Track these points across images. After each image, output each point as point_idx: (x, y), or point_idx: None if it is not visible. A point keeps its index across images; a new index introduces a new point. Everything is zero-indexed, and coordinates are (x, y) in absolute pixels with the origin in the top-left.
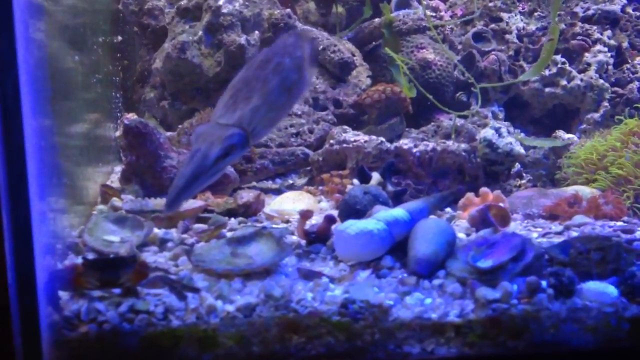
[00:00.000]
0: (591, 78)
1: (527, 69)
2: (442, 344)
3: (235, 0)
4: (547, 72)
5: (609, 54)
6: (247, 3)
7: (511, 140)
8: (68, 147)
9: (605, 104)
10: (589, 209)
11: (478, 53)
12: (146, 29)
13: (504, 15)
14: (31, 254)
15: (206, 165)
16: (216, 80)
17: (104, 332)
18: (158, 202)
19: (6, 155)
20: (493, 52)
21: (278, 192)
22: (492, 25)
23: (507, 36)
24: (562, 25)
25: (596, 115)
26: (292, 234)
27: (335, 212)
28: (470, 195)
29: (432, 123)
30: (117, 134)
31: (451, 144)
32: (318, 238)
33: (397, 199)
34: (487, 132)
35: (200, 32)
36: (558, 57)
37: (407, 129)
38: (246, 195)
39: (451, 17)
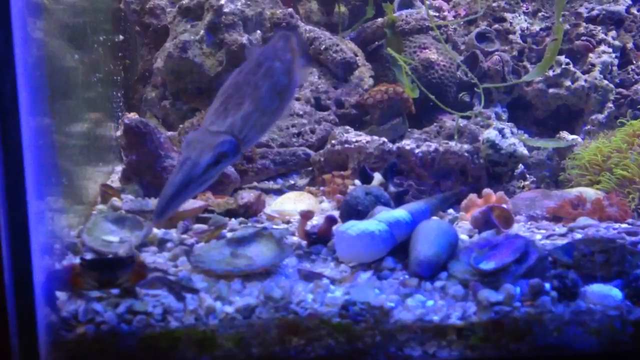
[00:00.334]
0: (595, 79)
1: (531, 70)
2: (444, 347)
3: None
4: (551, 73)
5: (614, 55)
6: (248, 2)
7: (514, 141)
8: (68, 147)
9: (610, 105)
10: (593, 211)
11: (481, 53)
12: (148, 28)
13: (508, 16)
14: (28, 254)
15: (196, 173)
16: (218, 80)
17: (101, 333)
18: None
19: (3, 154)
20: (496, 53)
21: (279, 192)
22: (496, 26)
23: (511, 36)
24: (566, 26)
25: (600, 117)
26: (293, 234)
27: (336, 213)
28: (473, 196)
29: (435, 124)
30: (118, 133)
31: (454, 145)
32: (319, 239)
33: (398, 200)
34: (491, 133)
35: (201, 32)
36: (562, 58)
37: (409, 130)
38: (247, 196)
39: (454, 17)
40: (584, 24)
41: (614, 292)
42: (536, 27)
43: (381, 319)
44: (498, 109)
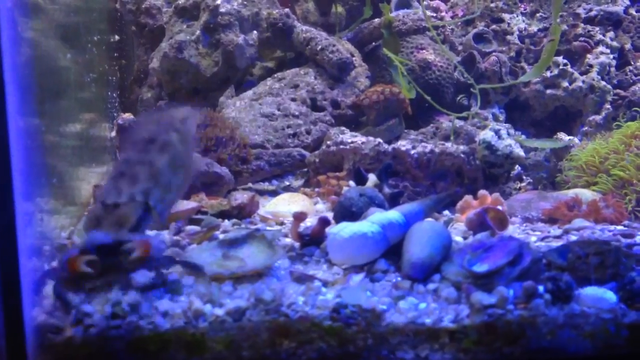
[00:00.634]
0: (593, 80)
1: (529, 71)
2: (436, 350)
3: None
4: (548, 74)
5: (612, 56)
6: (245, 2)
7: (511, 142)
8: (61, 147)
9: (608, 106)
10: (588, 213)
11: (479, 54)
12: (144, 28)
13: (506, 16)
14: (15, 255)
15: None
16: (214, 80)
17: (90, 336)
18: None
19: None
20: (494, 53)
21: (274, 193)
22: (494, 26)
23: (509, 37)
24: (564, 27)
25: (598, 118)
26: (286, 236)
27: (331, 214)
28: (468, 197)
29: (431, 124)
30: (113, 134)
31: (450, 146)
32: (312, 240)
33: (393, 201)
34: (487, 134)
35: (197, 32)
36: (560, 59)
37: (406, 131)
38: (240, 197)
39: (452, 17)
40: (582, 24)
41: (608, 294)
42: (534, 28)
43: (373, 321)
44: (495, 110)
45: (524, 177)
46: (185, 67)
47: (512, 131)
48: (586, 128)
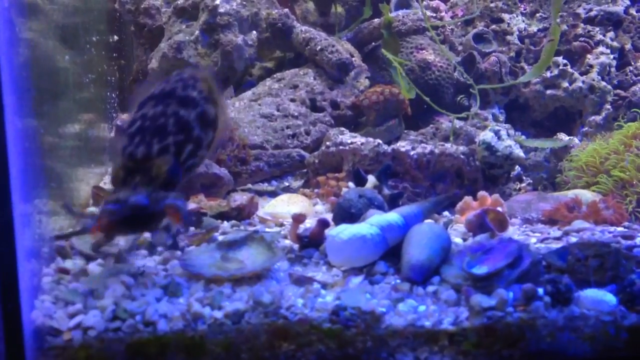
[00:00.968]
0: (593, 80)
1: (528, 71)
2: (436, 353)
3: None
4: (548, 74)
5: (612, 56)
6: (244, 3)
7: (510, 143)
8: (59, 148)
9: (608, 106)
10: (588, 214)
11: (479, 54)
12: (143, 28)
13: (505, 16)
14: (14, 257)
15: None
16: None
17: (89, 339)
18: None
19: None
20: (494, 54)
21: (274, 194)
22: (493, 26)
23: (508, 37)
24: (564, 27)
25: (598, 118)
26: (285, 237)
27: (330, 215)
28: (468, 199)
29: (431, 125)
30: (112, 134)
31: (449, 147)
32: (311, 242)
33: (393, 203)
34: (487, 135)
35: (197, 32)
36: (560, 59)
37: (405, 131)
38: (239, 198)
39: (452, 17)
40: (582, 24)
41: (607, 297)
42: (534, 28)
43: (372, 324)
44: (495, 110)
45: (524, 178)
46: (184, 67)
47: (511, 132)
48: (586, 128)
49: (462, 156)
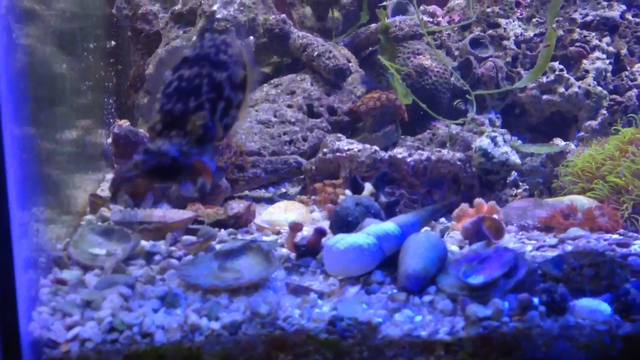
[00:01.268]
0: (589, 85)
1: (525, 76)
2: None
3: (229, 5)
4: (544, 79)
5: (608, 61)
6: (241, 8)
7: (507, 149)
8: (56, 155)
9: (604, 111)
10: (584, 221)
11: (475, 59)
12: (140, 34)
13: (502, 21)
14: (11, 268)
15: None
16: None
17: (86, 350)
18: (147, 213)
19: None
20: (490, 59)
21: (271, 200)
22: (490, 31)
23: (505, 42)
24: (560, 32)
25: (594, 123)
26: (282, 246)
27: (327, 223)
28: (464, 206)
29: (428, 130)
30: (109, 140)
31: (446, 153)
32: (308, 251)
33: (389, 210)
34: (483, 141)
35: (194, 38)
36: (556, 64)
37: (402, 137)
38: (237, 206)
39: (448, 22)
40: (578, 29)
41: (602, 306)
42: (530, 33)
43: (369, 334)
44: (492, 115)
45: (520, 184)
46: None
47: (508, 136)
48: (582, 133)
49: (458, 163)
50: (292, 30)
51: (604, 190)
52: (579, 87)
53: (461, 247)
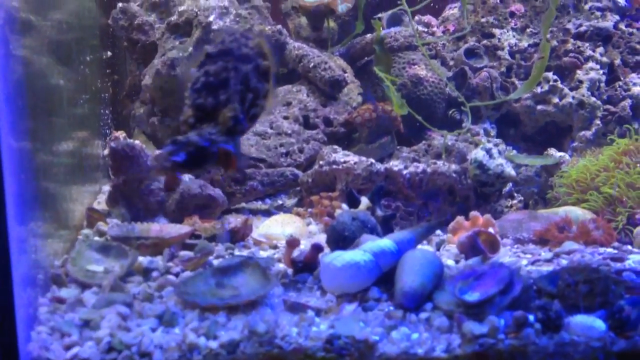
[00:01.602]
0: (583, 95)
1: (519, 86)
2: None
3: (226, 16)
4: (539, 90)
5: (601, 71)
6: (237, 19)
7: (502, 161)
8: (53, 167)
9: (598, 121)
10: (578, 235)
11: (470, 69)
12: (136, 44)
13: (496, 32)
14: (10, 287)
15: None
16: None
17: None
18: (144, 227)
19: None
20: (485, 69)
21: (267, 212)
22: (485, 42)
23: (499, 52)
24: (554, 42)
25: (588, 133)
26: (279, 261)
27: (324, 236)
28: (460, 218)
29: (424, 141)
30: (106, 151)
31: (442, 165)
32: (305, 267)
33: (386, 224)
34: (478, 154)
35: (190, 48)
36: (550, 75)
37: (398, 148)
38: (234, 221)
39: (443, 32)
40: (572, 40)
41: (597, 323)
42: (524, 44)
43: (366, 352)
44: (487, 125)
45: (515, 195)
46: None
47: (502, 147)
48: (576, 143)
49: (454, 175)
50: (288, 41)
51: (598, 202)
52: (573, 97)
53: (457, 261)
